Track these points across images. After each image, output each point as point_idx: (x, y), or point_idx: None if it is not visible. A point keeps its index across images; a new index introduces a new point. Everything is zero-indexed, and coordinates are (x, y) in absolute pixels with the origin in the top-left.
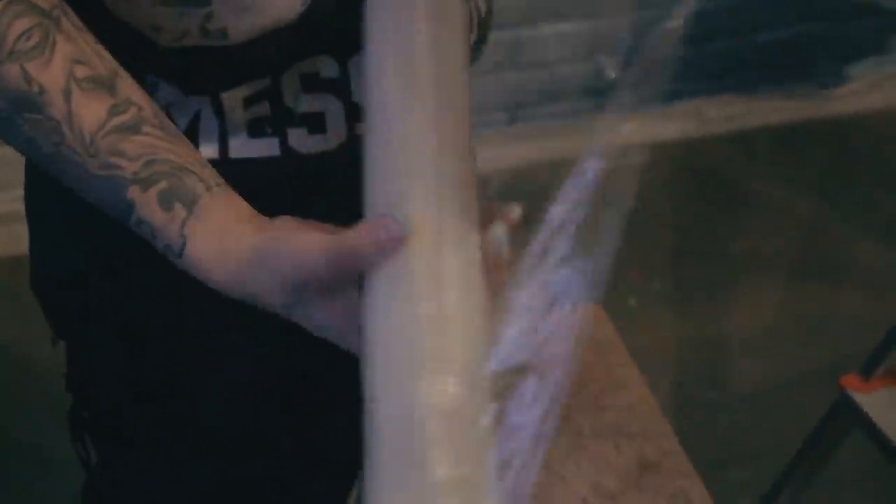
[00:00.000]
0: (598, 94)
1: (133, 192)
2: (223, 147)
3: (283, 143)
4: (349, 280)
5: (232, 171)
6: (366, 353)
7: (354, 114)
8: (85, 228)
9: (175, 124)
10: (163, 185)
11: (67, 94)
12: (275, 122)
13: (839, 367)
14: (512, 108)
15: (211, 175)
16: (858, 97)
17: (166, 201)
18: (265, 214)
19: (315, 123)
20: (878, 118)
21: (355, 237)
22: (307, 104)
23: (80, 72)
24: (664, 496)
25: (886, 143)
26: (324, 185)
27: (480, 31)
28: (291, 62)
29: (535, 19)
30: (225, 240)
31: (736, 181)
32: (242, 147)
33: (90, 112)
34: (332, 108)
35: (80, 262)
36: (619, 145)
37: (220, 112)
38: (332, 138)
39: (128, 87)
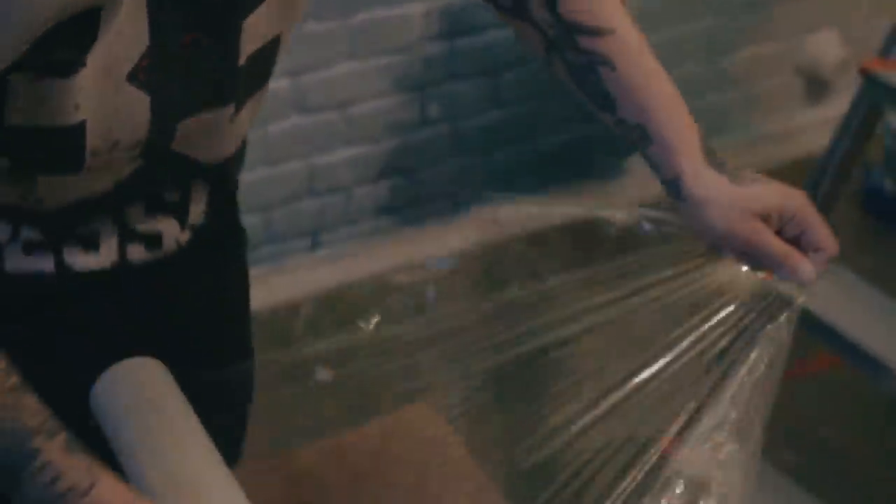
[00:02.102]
0: (394, 211)
1: (39, 440)
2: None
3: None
4: None
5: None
6: None
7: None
8: None
9: None
10: (65, 434)
11: None
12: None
13: None
14: (314, 232)
15: None
16: (637, 188)
17: (71, 448)
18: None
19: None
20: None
21: None
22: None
23: None
24: None
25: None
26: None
27: None
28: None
29: (328, 146)
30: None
31: (537, 281)
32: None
33: None
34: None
35: None
36: (426, 258)
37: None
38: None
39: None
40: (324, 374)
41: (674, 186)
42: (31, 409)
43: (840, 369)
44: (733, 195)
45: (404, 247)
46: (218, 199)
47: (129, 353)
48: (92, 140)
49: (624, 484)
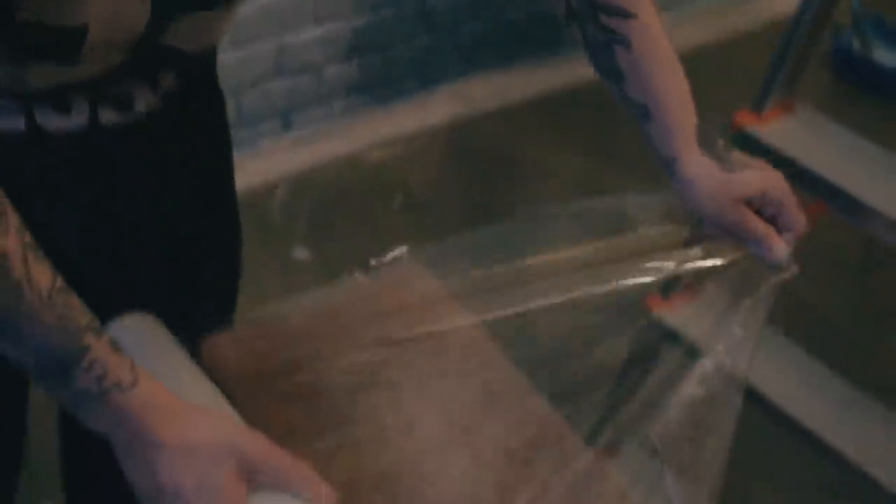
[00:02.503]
0: (364, 90)
1: (88, 338)
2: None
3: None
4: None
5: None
6: None
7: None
8: None
9: None
10: (109, 335)
11: (24, 258)
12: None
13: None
14: (285, 114)
15: None
16: None
17: (115, 347)
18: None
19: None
20: None
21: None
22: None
23: (27, 238)
24: (514, 416)
25: None
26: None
27: None
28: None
29: (297, 25)
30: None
31: (510, 153)
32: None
33: (42, 272)
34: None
35: None
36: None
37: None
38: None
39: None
40: (302, 254)
41: (669, 167)
42: (80, 309)
43: (816, 226)
44: (721, 181)
45: (376, 125)
46: (192, 67)
47: (110, 219)
48: (91, 38)
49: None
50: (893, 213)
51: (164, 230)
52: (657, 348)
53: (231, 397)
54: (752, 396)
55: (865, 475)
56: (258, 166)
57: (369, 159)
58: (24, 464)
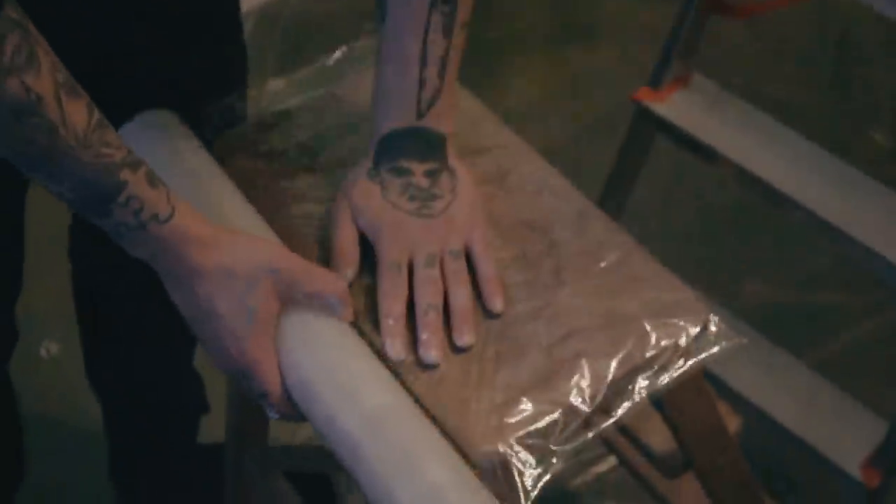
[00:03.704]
0: None
1: (125, 174)
2: None
3: None
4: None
5: None
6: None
7: None
8: None
9: None
10: (145, 167)
11: (58, 99)
12: None
13: (613, 115)
14: None
15: None
16: None
17: (151, 180)
18: None
19: None
20: None
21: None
22: None
23: (60, 77)
24: (529, 189)
25: None
26: None
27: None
28: None
29: None
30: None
31: None
32: None
33: (77, 111)
34: None
35: None
36: None
37: None
38: None
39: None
40: (278, 85)
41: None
42: (116, 144)
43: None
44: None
45: None
46: None
47: (106, 32)
48: None
49: None
50: None
51: (166, 45)
52: (650, 139)
53: (247, 192)
54: (746, 179)
55: (868, 251)
56: None
57: None
58: (23, 300)
